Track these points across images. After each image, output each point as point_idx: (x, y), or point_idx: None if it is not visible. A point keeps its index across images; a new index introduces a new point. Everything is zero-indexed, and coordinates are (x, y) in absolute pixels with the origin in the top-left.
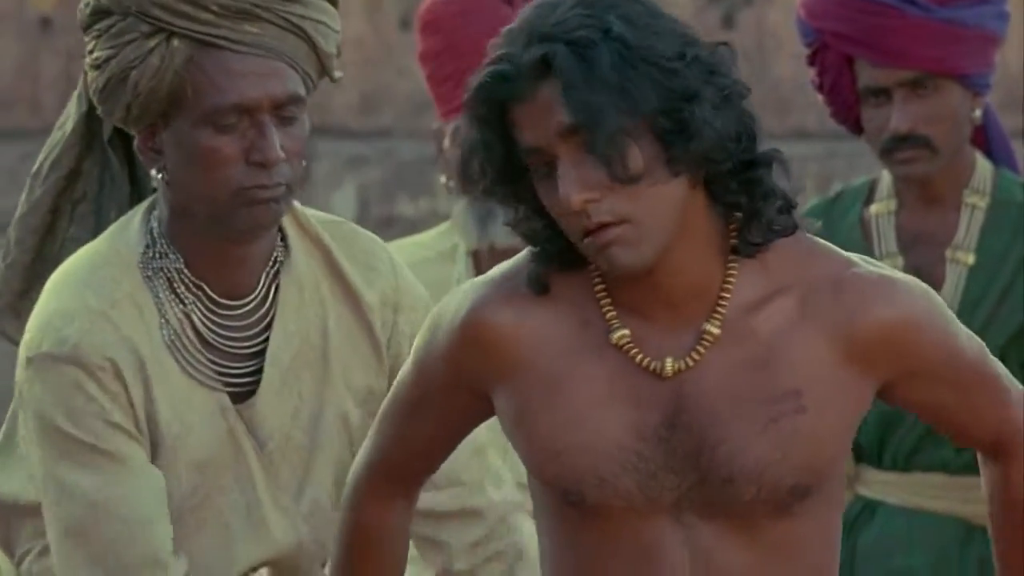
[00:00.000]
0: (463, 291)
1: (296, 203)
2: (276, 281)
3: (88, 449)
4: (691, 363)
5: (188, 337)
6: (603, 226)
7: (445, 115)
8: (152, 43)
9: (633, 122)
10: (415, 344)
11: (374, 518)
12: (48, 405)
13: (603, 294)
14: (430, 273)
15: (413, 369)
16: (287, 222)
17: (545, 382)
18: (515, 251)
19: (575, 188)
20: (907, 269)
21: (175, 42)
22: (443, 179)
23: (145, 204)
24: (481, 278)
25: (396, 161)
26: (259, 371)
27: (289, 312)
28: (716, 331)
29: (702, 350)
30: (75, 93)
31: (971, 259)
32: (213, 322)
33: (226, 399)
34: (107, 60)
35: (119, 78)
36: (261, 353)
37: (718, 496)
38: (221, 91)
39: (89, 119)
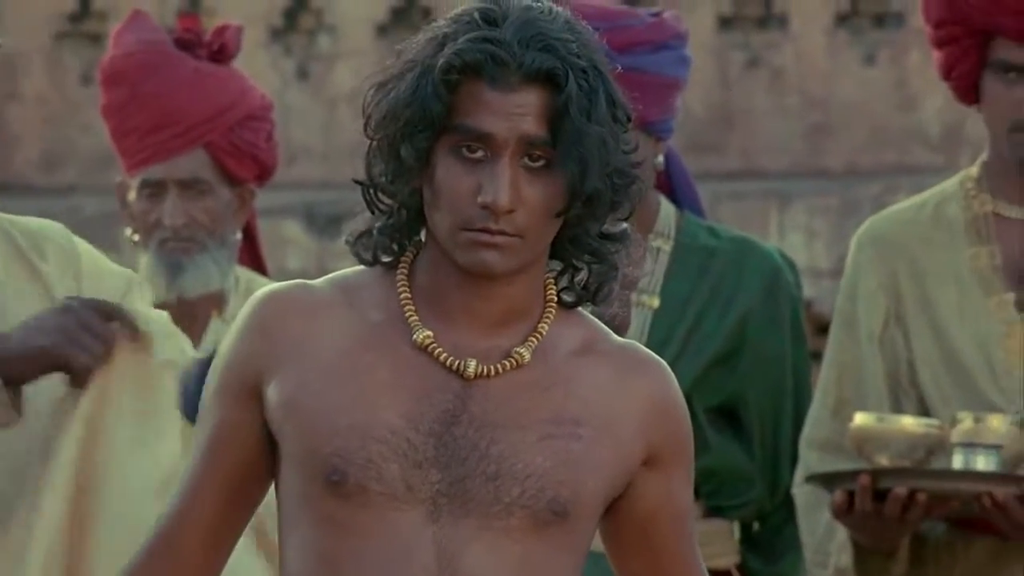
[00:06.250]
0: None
1: None
2: None
3: None
4: (492, 372)
5: None
6: (498, 232)
7: (129, 169)
8: None
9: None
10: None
11: None
12: None
13: (407, 300)
14: None
15: (205, 408)
16: None
17: (331, 367)
18: (202, 303)
19: (506, 192)
20: (592, 313)
21: None
22: (128, 232)
23: None
24: None
25: (80, 217)
26: None
27: None
28: (527, 356)
29: (508, 366)
30: None
31: (656, 302)
32: None
33: None
34: None
35: None
36: None
37: (479, 493)
38: None
39: None
